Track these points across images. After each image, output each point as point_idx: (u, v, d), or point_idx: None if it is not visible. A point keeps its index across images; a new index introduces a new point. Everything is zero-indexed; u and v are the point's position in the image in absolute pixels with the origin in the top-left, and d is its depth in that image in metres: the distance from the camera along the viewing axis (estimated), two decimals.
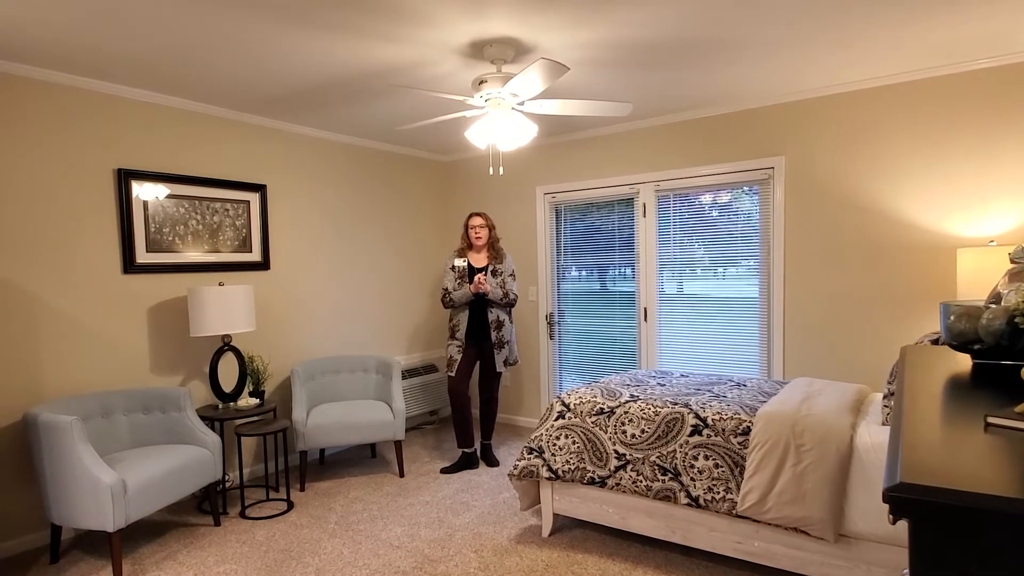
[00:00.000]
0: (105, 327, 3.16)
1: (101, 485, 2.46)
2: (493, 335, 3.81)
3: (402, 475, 3.79)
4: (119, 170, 3.18)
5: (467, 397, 3.86)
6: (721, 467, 2.39)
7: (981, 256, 2.81)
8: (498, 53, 2.74)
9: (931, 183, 3.19)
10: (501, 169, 4.61)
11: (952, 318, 1.44)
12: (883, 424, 2.28)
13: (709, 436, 2.45)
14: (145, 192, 3.29)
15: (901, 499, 0.66)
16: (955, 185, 3.12)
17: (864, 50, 2.86)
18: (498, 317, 3.83)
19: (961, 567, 0.66)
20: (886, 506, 2.07)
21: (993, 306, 1.39)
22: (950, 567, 0.66)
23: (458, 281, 3.81)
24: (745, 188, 3.87)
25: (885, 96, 3.29)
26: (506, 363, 3.87)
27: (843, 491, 2.15)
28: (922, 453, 0.77)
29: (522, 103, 2.81)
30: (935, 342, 2.27)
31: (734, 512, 2.33)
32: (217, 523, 3.11)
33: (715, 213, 4.00)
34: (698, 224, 4.06)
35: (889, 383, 2.33)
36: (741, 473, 2.35)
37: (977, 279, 2.83)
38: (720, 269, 3.98)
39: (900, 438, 0.83)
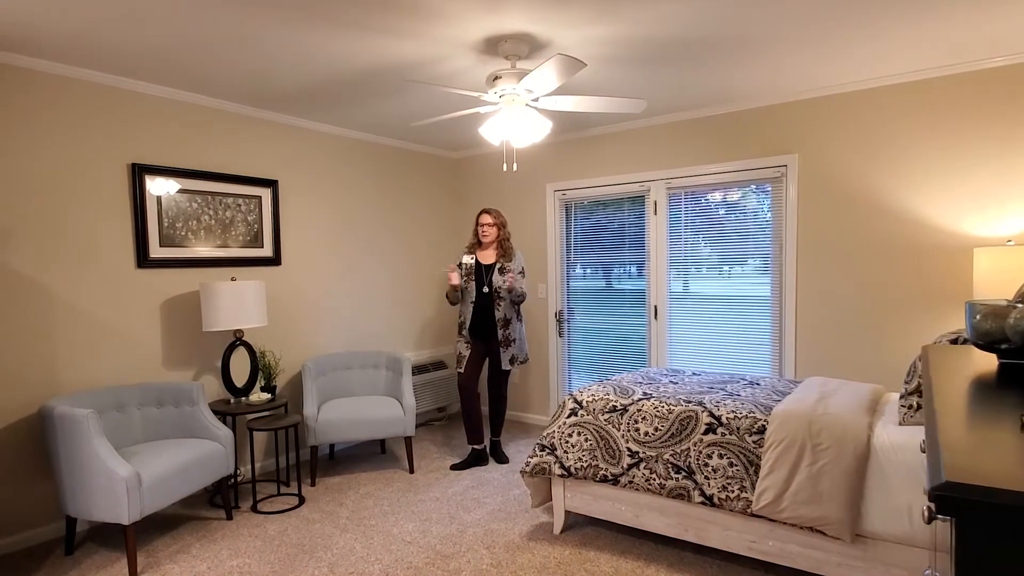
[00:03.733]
0: (119, 321, 3.17)
1: (116, 478, 2.48)
2: (499, 333, 3.80)
3: (412, 471, 3.79)
4: (133, 165, 3.19)
5: (476, 393, 3.86)
6: (736, 466, 2.39)
7: (998, 256, 2.79)
8: (513, 49, 2.73)
9: (947, 182, 3.16)
10: (515, 166, 4.60)
11: (978, 317, 1.43)
12: (900, 424, 2.27)
13: (724, 434, 2.44)
14: (159, 187, 3.30)
15: (947, 498, 0.65)
16: (972, 184, 3.10)
17: (880, 48, 2.84)
18: (504, 315, 3.81)
19: (1006, 565, 0.65)
20: (904, 506, 2.06)
21: (1020, 306, 1.37)
22: (995, 565, 0.65)
23: (464, 278, 3.81)
24: (757, 186, 3.85)
25: (901, 94, 3.27)
26: (512, 361, 3.85)
27: (860, 491, 2.14)
28: (962, 453, 0.76)
29: (536, 99, 2.80)
30: (954, 342, 2.25)
31: (749, 511, 2.32)
32: (229, 517, 3.12)
33: (727, 211, 3.98)
34: (709, 222, 4.04)
35: (906, 383, 2.31)
36: (756, 472, 2.34)
37: (994, 279, 2.81)
38: (731, 267, 3.97)
39: (937, 438, 0.82)
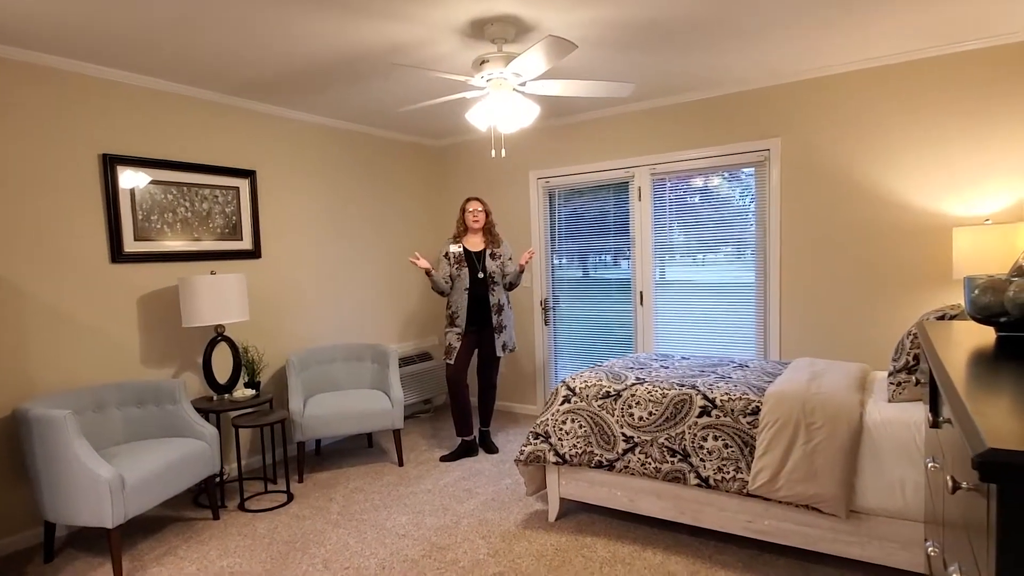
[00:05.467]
0: (94, 319, 3.05)
1: (99, 480, 2.39)
2: (494, 319, 3.78)
3: (401, 464, 3.75)
4: (104, 155, 3.06)
5: (466, 385, 3.82)
6: (731, 447, 2.40)
7: (977, 235, 2.85)
8: (499, 32, 2.68)
9: (927, 163, 3.22)
10: (504, 152, 4.56)
11: (976, 292, 1.44)
12: (890, 401, 2.31)
13: (718, 417, 2.45)
14: (132, 179, 3.18)
15: (992, 464, 0.65)
16: (950, 165, 3.16)
17: (861, 32, 2.86)
18: (499, 301, 3.79)
19: None
20: (896, 481, 2.09)
21: (1017, 279, 1.39)
22: None
23: (455, 267, 3.76)
24: (739, 171, 3.87)
25: (881, 77, 3.31)
26: (504, 348, 3.84)
27: (854, 468, 2.17)
28: (995, 421, 0.76)
29: (524, 84, 2.76)
30: (940, 319, 2.29)
31: (745, 491, 2.34)
32: (216, 516, 3.04)
33: (711, 196, 4.00)
34: (694, 207, 4.06)
35: (894, 360, 2.35)
36: (751, 453, 2.36)
37: (973, 258, 2.87)
38: (716, 252, 3.99)
39: (965, 407, 0.82)
